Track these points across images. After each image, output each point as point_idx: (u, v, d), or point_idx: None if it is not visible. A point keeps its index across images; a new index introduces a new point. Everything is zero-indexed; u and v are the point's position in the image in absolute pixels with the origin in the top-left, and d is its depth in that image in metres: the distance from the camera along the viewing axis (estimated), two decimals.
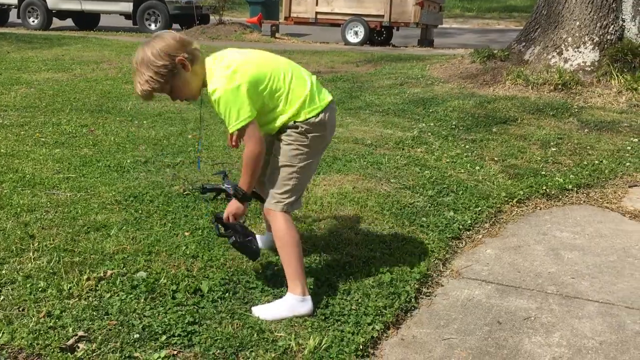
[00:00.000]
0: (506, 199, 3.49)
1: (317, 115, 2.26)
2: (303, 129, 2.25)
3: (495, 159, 4.20)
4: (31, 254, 2.53)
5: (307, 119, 2.25)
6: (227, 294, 2.31)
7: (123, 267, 2.45)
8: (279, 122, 2.26)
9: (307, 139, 2.26)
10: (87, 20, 15.90)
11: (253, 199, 2.40)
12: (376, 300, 2.31)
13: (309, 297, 2.23)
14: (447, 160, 4.14)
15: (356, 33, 12.84)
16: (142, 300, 2.23)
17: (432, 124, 5.15)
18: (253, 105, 2.15)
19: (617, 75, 6.07)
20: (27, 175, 3.56)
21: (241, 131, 2.17)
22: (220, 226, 2.35)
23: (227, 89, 2.11)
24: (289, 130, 2.26)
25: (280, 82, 2.23)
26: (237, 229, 2.34)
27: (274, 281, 2.42)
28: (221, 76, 2.14)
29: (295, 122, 2.25)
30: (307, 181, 2.42)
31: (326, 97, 2.35)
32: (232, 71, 2.14)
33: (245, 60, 2.22)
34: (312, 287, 2.38)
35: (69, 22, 16.32)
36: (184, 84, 2.19)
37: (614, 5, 6.38)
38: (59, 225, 2.85)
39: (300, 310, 2.20)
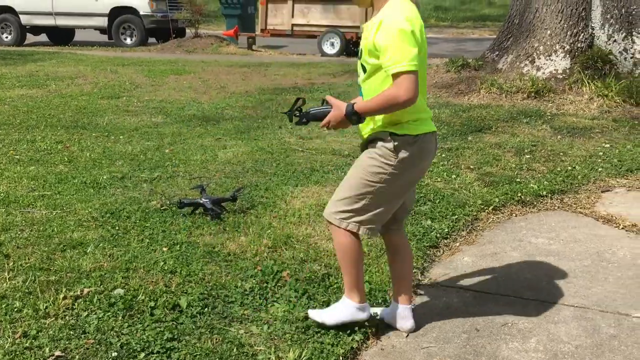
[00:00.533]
0: (482, 206, 3.53)
1: (417, 136, 2.06)
2: (394, 145, 2.04)
3: (471, 167, 4.25)
4: (6, 273, 2.50)
5: (405, 134, 2.05)
6: (205, 309, 2.30)
7: (100, 285, 2.44)
8: (380, 123, 2.07)
9: (396, 157, 2.05)
10: (61, 35, 15.77)
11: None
12: None
13: (366, 304, 2.22)
14: None
15: (332, 44, 12.92)
16: (120, 317, 2.21)
17: None
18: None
19: (588, 82, 6.19)
20: (2, 194, 3.52)
21: (402, 75, 1.91)
22: (298, 116, 2.23)
23: (402, 24, 1.93)
24: (378, 143, 2.07)
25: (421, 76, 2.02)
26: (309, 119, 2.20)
27: (252, 295, 2.42)
28: (398, 11, 1.97)
29: (391, 132, 2.05)
30: (389, 208, 2.15)
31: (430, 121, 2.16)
32: (409, 20, 1.96)
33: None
34: (290, 299, 2.39)
35: (43, 37, 16.17)
36: None
37: (583, 14, 6.52)
38: (35, 244, 2.82)
39: (359, 316, 2.20)
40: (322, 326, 2.20)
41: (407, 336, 2.25)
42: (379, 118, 2.07)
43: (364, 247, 2.89)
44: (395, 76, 1.93)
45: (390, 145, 2.04)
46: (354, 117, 2.03)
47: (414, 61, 1.91)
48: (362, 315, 2.21)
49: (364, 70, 2.09)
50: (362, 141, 2.20)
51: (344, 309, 2.20)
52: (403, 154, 2.05)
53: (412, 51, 1.92)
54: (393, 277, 2.33)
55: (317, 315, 2.23)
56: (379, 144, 2.07)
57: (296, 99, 2.26)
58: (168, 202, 3.40)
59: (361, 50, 2.08)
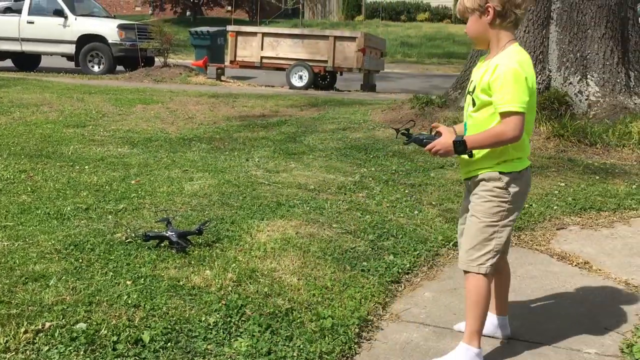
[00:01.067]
0: (443, 242, 3.63)
1: (521, 171, 2.28)
2: (505, 182, 2.25)
3: (433, 203, 4.37)
4: None
5: (512, 172, 2.26)
6: (169, 344, 2.31)
7: (62, 319, 2.42)
8: (490, 163, 2.27)
9: (509, 194, 2.26)
10: (27, 61, 15.63)
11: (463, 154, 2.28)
12: (318, 346, 2.36)
13: (481, 350, 2.36)
14: (388, 204, 4.28)
15: (301, 77, 13.12)
16: (82, 352, 2.21)
17: (373, 169, 5.31)
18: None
19: (545, 122, 6.44)
20: None
21: (511, 115, 2.14)
22: (408, 137, 2.39)
23: (517, 70, 2.15)
24: (489, 184, 2.27)
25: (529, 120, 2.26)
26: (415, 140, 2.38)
27: (216, 329, 2.44)
28: (514, 59, 2.18)
29: (500, 172, 2.25)
30: (507, 240, 2.38)
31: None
32: (523, 67, 2.18)
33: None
34: (254, 334, 2.42)
35: (8, 62, 15.98)
36: (477, 27, 2.27)
37: (540, 57, 6.82)
38: None
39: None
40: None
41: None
42: (490, 157, 2.26)
43: (328, 281, 2.95)
44: (504, 115, 2.16)
45: (501, 184, 2.26)
46: (461, 147, 2.22)
47: (523, 104, 2.14)
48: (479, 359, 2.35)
49: (474, 104, 2.29)
50: (465, 177, 2.41)
51: (464, 355, 2.31)
52: (514, 189, 2.27)
53: (524, 94, 2.15)
54: (497, 296, 2.54)
55: None
56: (490, 185, 2.27)
57: (409, 120, 2.45)
58: (133, 235, 3.40)
59: (474, 87, 2.28)
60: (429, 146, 2.30)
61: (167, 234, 3.25)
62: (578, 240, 3.83)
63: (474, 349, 2.31)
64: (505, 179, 2.25)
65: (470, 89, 2.32)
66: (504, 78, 2.15)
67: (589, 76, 6.82)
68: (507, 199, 2.27)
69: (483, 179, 2.29)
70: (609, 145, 6.14)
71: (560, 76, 6.82)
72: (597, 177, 5.24)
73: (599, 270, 3.36)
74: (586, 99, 6.76)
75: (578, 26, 6.79)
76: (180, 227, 3.53)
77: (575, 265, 3.43)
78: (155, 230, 3.39)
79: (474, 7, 2.25)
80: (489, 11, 2.22)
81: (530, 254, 3.60)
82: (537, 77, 6.77)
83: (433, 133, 2.38)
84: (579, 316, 2.80)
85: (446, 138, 2.27)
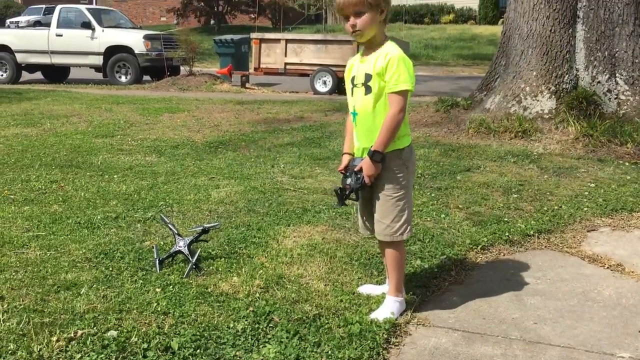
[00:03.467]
0: (471, 246, 3.59)
1: (409, 145, 2.66)
2: (403, 157, 2.62)
3: (460, 206, 4.33)
4: (0, 315, 2.53)
5: (404, 147, 2.62)
6: (198, 351, 2.33)
7: (94, 327, 2.46)
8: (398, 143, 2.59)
9: (406, 167, 2.63)
10: (56, 73, 15.96)
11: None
12: (346, 352, 2.35)
13: (403, 298, 2.78)
14: (414, 208, 4.26)
15: (325, 82, 13.14)
16: (113, 359, 2.24)
17: None
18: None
19: (573, 123, 6.34)
20: None
21: (403, 94, 2.49)
22: (341, 192, 2.64)
23: (403, 56, 2.49)
24: (390, 163, 2.58)
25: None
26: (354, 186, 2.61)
27: (244, 335, 2.46)
28: (395, 49, 2.53)
29: (396, 149, 2.58)
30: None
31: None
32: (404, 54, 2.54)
33: None
34: (282, 340, 2.42)
35: (38, 74, 16.35)
36: (372, 23, 2.53)
37: (567, 56, 6.72)
38: (29, 285, 2.85)
39: (403, 306, 2.76)
40: (390, 321, 2.61)
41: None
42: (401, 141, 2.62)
43: (355, 287, 2.94)
44: (394, 95, 2.49)
45: (399, 160, 2.60)
46: (377, 156, 2.53)
47: (410, 81, 2.50)
48: (404, 306, 2.77)
49: (368, 91, 2.57)
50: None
51: (397, 303, 2.72)
52: (407, 162, 2.64)
53: (410, 75, 2.50)
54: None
55: (382, 314, 2.65)
56: (389, 164, 2.58)
57: (335, 190, 2.69)
58: (149, 268, 3.15)
59: (365, 76, 2.57)
60: (365, 180, 2.57)
61: (182, 249, 3.19)
62: (610, 242, 3.75)
63: (401, 298, 2.77)
64: (402, 154, 2.61)
65: (362, 81, 2.58)
66: (397, 63, 2.48)
67: (617, 74, 6.69)
68: (404, 171, 2.64)
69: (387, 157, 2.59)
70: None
71: (588, 75, 6.71)
72: (628, 177, 5.14)
73: (632, 272, 3.29)
74: (615, 98, 6.63)
75: (605, 24, 6.67)
76: (186, 236, 3.42)
77: (607, 267, 3.36)
78: (163, 255, 3.27)
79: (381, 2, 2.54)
80: (383, 10, 2.54)
81: (560, 256, 3.54)
82: (564, 77, 6.71)
83: (348, 174, 2.64)
84: (611, 319, 2.75)
85: (363, 162, 2.58)
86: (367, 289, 2.95)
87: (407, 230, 2.67)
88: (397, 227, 2.64)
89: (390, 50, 2.52)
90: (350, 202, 2.73)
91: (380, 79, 2.52)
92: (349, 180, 2.61)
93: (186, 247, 3.17)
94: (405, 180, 2.63)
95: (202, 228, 3.28)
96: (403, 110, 2.51)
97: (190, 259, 3.10)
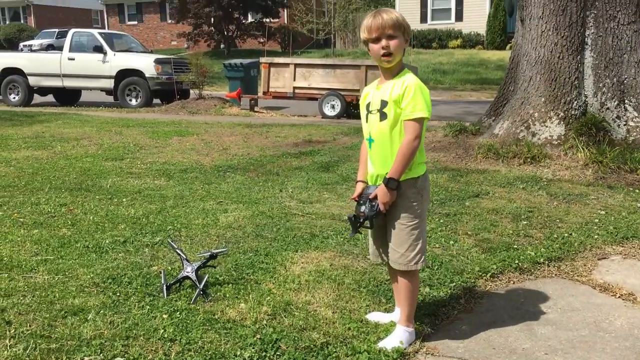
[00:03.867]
0: (480, 273, 3.56)
1: (424, 174, 2.69)
2: (417, 186, 2.64)
3: (469, 232, 4.31)
4: (7, 341, 2.52)
5: (419, 176, 2.65)
6: None
7: (100, 353, 2.45)
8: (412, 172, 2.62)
9: (420, 196, 2.65)
10: (68, 96, 16.14)
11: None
12: None
13: (413, 329, 2.78)
14: None
15: (333, 106, 13.20)
16: None
17: None
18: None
19: (583, 149, 6.32)
20: (5, 258, 3.56)
21: (419, 121, 2.52)
22: (355, 220, 2.63)
23: (420, 84, 2.55)
24: (406, 192, 2.61)
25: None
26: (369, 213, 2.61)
27: None
28: (413, 77, 2.57)
29: (411, 178, 2.61)
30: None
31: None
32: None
33: None
34: None
35: (49, 97, 16.54)
36: (401, 48, 2.58)
37: (576, 83, 6.72)
38: (36, 310, 2.85)
39: (413, 338, 2.75)
40: (399, 350, 2.61)
41: None
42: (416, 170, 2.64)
43: (363, 314, 2.92)
44: (410, 122, 2.51)
45: (414, 189, 2.62)
46: (392, 184, 2.55)
47: (427, 109, 2.53)
48: (414, 337, 2.76)
49: (383, 118, 2.59)
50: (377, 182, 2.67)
51: (407, 333, 2.72)
52: (422, 190, 2.65)
53: (427, 103, 2.53)
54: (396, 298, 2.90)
55: (391, 343, 2.65)
56: (404, 192, 2.60)
57: (349, 218, 2.68)
58: (155, 294, 3.16)
59: (381, 103, 2.60)
60: (380, 207, 2.58)
61: (185, 274, 3.19)
62: (621, 270, 3.71)
63: (411, 329, 2.75)
64: (417, 183, 2.63)
65: (377, 107, 2.61)
66: (413, 90, 2.51)
67: (626, 101, 6.68)
68: (419, 199, 2.65)
69: (399, 188, 2.60)
70: None
71: (597, 102, 6.70)
72: (639, 205, 5.10)
73: None
74: (625, 124, 6.62)
75: (614, 51, 6.69)
76: (194, 261, 3.43)
77: (619, 296, 3.32)
78: (171, 280, 3.27)
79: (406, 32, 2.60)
80: (407, 38, 2.61)
81: (571, 285, 3.50)
82: (573, 103, 6.71)
83: (362, 202, 2.65)
84: (623, 350, 2.70)
85: (378, 190, 2.59)
86: (376, 316, 2.93)
87: (422, 259, 2.67)
88: (412, 257, 2.64)
89: (407, 78, 2.55)
90: (364, 230, 2.72)
91: (396, 106, 2.54)
92: (363, 208, 2.61)
93: (194, 273, 3.16)
94: (420, 209, 2.64)
95: (210, 253, 3.28)
96: (419, 137, 2.52)
97: (198, 284, 3.09)
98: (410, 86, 2.51)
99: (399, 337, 2.68)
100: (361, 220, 2.63)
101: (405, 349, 2.63)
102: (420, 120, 2.51)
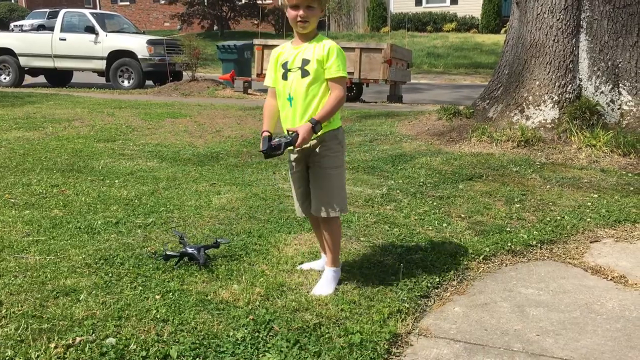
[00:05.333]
0: (473, 256, 3.57)
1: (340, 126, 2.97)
2: (340, 137, 2.93)
3: (462, 215, 4.31)
4: None
5: (337, 128, 2.93)
6: (197, 359, 2.31)
7: (92, 334, 2.44)
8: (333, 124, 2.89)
9: (341, 146, 2.94)
10: (59, 77, 15.99)
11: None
12: None
13: (339, 267, 3.10)
14: (416, 217, 4.24)
15: None
16: None
17: (400, 181, 5.27)
18: None
19: (576, 132, 6.32)
20: None
21: (343, 79, 2.82)
22: (271, 145, 2.75)
23: (338, 47, 2.84)
24: (327, 143, 2.88)
25: None
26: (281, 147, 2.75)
27: (244, 344, 2.43)
28: (330, 41, 2.86)
29: (331, 130, 2.88)
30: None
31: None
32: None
33: None
34: (282, 349, 2.40)
35: (41, 78, 16.38)
36: (317, 17, 2.85)
37: (570, 66, 6.71)
38: (28, 291, 2.83)
39: (338, 275, 3.06)
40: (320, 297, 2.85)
41: None
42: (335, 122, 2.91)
43: (356, 296, 2.92)
44: (337, 80, 2.81)
45: (336, 139, 2.90)
46: (318, 126, 2.77)
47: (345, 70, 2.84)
48: (339, 274, 3.08)
49: (305, 75, 2.82)
50: (306, 147, 2.87)
51: (336, 275, 3.03)
52: (343, 141, 2.96)
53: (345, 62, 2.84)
54: (322, 245, 3.19)
55: (321, 290, 2.93)
56: (328, 143, 2.87)
57: (265, 138, 2.83)
58: (154, 255, 3.36)
59: (302, 61, 2.84)
60: (298, 141, 2.73)
61: (188, 251, 3.22)
62: (613, 253, 3.73)
63: (338, 269, 3.07)
64: (337, 134, 2.91)
65: (298, 65, 2.84)
66: (336, 53, 2.81)
67: (621, 85, 6.68)
68: (341, 149, 2.94)
69: (321, 140, 2.87)
70: None
71: (592, 85, 6.69)
72: (632, 188, 5.12)
73: (635, 284, 3.27)
74: (619, 108, 6.62)
75: (609, 34, 6.67)
76: (199, 242, 3.52)
77: (610, 279, 3.34)
78: (172, 251, 3.32)
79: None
80: (323, 9, 2.88)
81: (563, 267, 3.52)
82: (567, 87, 6.70)
83: (276, 138, 2.79)
84: (615, 332, 2.72)
85: (302, 127, 2.76)
86: (307, 265, 3.25)
87: (343, 207, 2.95)
88: (335, 204, 2.91)
89: (327, 42, 2.85)
90: (275, 156, 2.82)
91: (319, 65, 2.81)
92: (277, 139, 2.76)
93: (195, 250, 3.19)
94: (341, 159, 2.94)
95: (214, 240, 3.31)
96: (345, 93, 2.86)
97: (199, 258, 3.18)
98: (332, 48, 2.81)
99: (329, 279, 2.99)
100: (273, 146, 2.75)
101: (335, 291, 2.95)
102: (344, 79, 2.83)
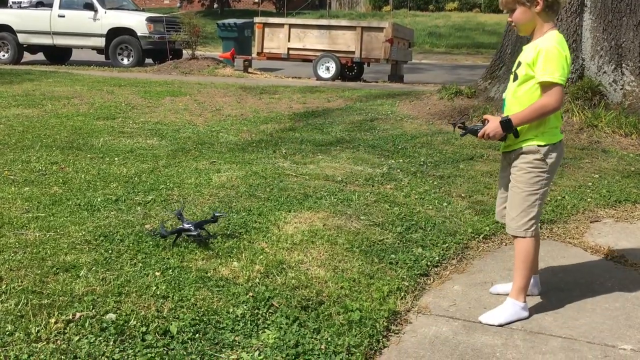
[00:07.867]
0: (473, 235, 3.57)
1: (556, 143, 2.56)
2: (543, 154, 2.53)
3: (462, 195, 4.30)
4: None
5: (548, 144, 2.54)
6: (197, 335, 2.32)
7: (92, 309, 2.45)
8: (531, 135, 2.54)
9: (546, 164, 2.56)
10: (58, 55, 15.88)
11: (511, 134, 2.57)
12: (346, 339, 2.34)
13: (527, 304, 2.66)
14: (416, 196, 4.23)
15: (328, 68, 13.07)
16: (112, 342, 2.22)
17: (401, 160, 5.26)
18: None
19: (578, 113, 6.29)
20: None
21: (553, 87, 2.42)
22: (464, 129, 2.69)
23: (558, 48, 2.44)
24: (528, 156, 2.55)
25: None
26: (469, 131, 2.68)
27: (244, 321, 2.44)
28: (555, 40, 2.46)
29: (538, 144, 2.53)
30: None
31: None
32: (562, 47, 2.47)
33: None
34: (282, 326, 2.41)
35: (40, 56, 16.26)
36: (525, 17, 2.54)
37: (573, 46, 6.65)
38: (28, 267, 2.83)
39: (523, 314, 2.63)
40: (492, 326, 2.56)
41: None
42: (530, 130, 2.54)
43: (356, 274, 2.93)
44: (547, 86, 2.43)
45: (539, 156, 2.54)
46: (508, 125, 2.50)
47: (564, 76, 2.42)
48: (525, 314, 2.64)
49: (515, 78, 2.57)
50: (504, 150, 2.70)
51: (512, 308, 2.61)
52: (550, 160, 2.56)
53: (564, 68, 2.42)
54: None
55: (489, 318, 2.59)
56: (530, 157, 2.55)
57: (463, 114, 2.75)
58: (152, 233, 3.33)
59: (518, 65, 2.58)
60: (480, 132, 2.59)
61: (185, 227, 3.21)
62: (612, 233, 3.73)
63: (521, 303, 2.62)
64: (543, 150, 2.52)
65: (514, 69, 2.60)
66: (546, 54, 2.42)
67: (624, 65, 6.63)
68: (544, 169, 2.55)
69: (523, 152, 2.56)
70: None
71: (594, 65, 6.64)
72: (633, 169, 5.10)
73: (635, 264, 3.27)
74: (621, 89, 6.58)
75: (613, 14, 6.60)
76: (196, 219, 3.51)
77: (610, 259, 3.34)
78: (169, 230, 3.31)
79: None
80: (538, 2, 2.49)
81: (563, 247, 3.52)
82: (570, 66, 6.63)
83: (482, 122, 2.66)
84: (613, 311, 2.73)
85: (494, 121, 2.55)
86: (497, 289, 2.89)
87: (531, 228, 2.59)
88: (522, 223, 2.60)
89: (540, 43, 2.48)
90: (458, 131, 2.76)
91: (529, 68, 2.50)
92: (477, 125, 2.66)
93: (192, 226, 3.18)
94: (538, 181, 2.56)
95: (212, 217, 3.30)
96: (557, 102, 2.43)
97: (199, 233, 3.18)
98: (542, 50, 2.46)
99: (504, 311, 2.61)
100: (460, 124, 2.71)
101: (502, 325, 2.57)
102: (555, 85, 2.44)
